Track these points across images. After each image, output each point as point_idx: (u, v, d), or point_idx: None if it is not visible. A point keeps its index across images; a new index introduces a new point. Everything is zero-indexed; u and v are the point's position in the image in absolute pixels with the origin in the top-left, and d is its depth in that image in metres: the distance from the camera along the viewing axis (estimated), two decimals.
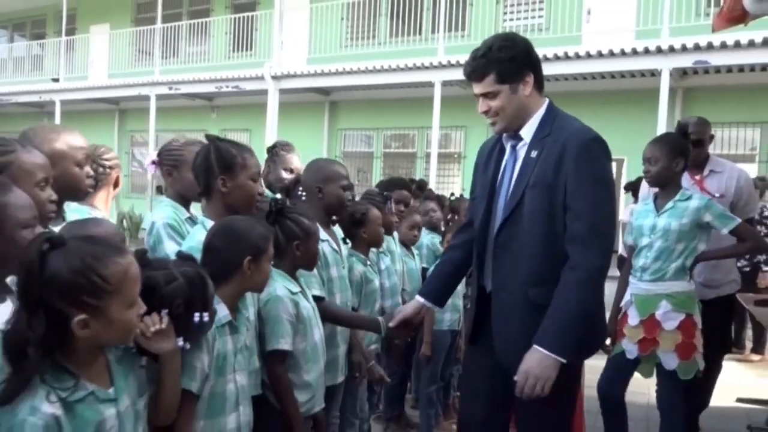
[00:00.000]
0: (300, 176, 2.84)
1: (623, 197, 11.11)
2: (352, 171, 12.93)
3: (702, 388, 3.37)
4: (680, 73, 9.89)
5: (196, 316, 1.53)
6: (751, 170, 9.26)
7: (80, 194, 2.08)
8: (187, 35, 15.05)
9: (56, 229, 1.77)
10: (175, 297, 1.50)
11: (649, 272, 2.96)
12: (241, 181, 2.06)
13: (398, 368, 3.89)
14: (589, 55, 9.58)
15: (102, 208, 2.57)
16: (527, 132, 2.11)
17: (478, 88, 2.11)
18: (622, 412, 3.06)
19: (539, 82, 2.12)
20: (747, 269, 5.61)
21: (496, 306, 2.13)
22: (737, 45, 8.51)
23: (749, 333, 6.33)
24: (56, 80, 16.29)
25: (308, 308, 2.20)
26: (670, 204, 2.95)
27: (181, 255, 1.70)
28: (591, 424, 3.34)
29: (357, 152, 14.27)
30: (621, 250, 6.21)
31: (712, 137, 3.50)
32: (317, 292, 2.35)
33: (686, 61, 9.05)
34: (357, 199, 3.04)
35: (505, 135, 2.19)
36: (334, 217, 2.65)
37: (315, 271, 2.38)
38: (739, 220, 2.95)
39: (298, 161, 3.26)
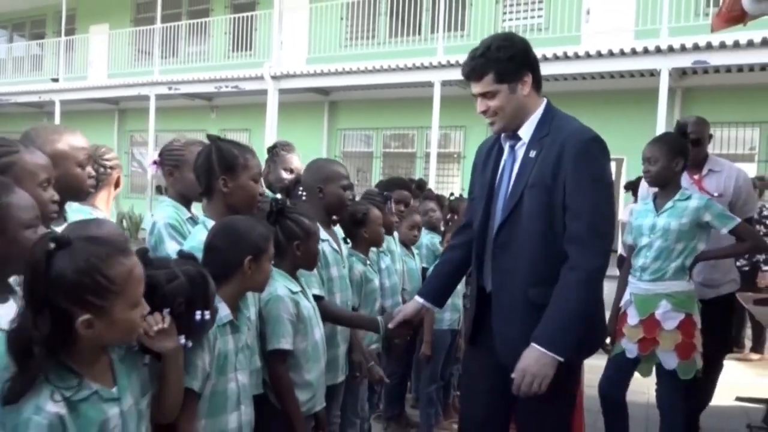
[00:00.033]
0: (300, 176, 2.84)
1: (623, 197, 11.14)
2: (352, 171, 12.92)
3: (703, 387, 3.37)
4: (679, 73, 9.91)
5: (198, 315, 1.54)
6: (750, 170, 9.27)
7: (82, 194, 2.08)
8: (187, 35, 15.05)
9: (58, 229, 1.78)
10: (177, 295, 1.51)
11: (648, 272, 2.97)
12: (242, 182, 2.07)
13: (398, 368, 3.90)
14: (588, 55, 9.59)
15: (103, 209, 2.57)
16: (526, 132, 2.11)
17: (476, 88, 2.11)
18: (623, 411, 3.07)
19: (537, 81, 2.12)
20: (746, 269, 5.62)
21: (496, 306, 2.14)
22: (736, 45, 8.52)
23: (749, 332, 6.34)
24: (56, 80, 16.29)
25: (309, 308, 2.21)
26: (669, 204, 2.96)
27: (182, 254, 1.71)
28: (591, 423, 3.35)
29: (356, 152, 14.28)
30: (620, 249, 6.22)
31: (710, 137, 3.50)
32: (317, 291, 2.36)
33: (685, 61, 9.06)
34: (357, 199, 3.05)
35: (503, 135, 2.19)
36: (334, 217, 2.65)
37: (315, 270, 2.38)
38: (739, 220, 2.95)
39: (298, 161, 3.27)
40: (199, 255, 1.78)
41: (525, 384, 1.94)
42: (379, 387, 3.40)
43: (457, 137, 12.71)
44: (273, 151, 3.26)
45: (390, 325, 2.37)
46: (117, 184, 2.67)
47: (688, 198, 2.94)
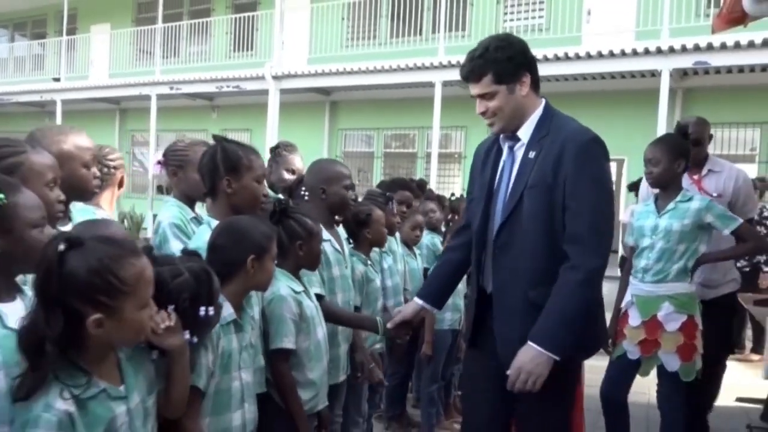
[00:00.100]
0: (302, 176, 2.86)
1: (623, 197, 11.15)
2: (353, 171, 12.86)
3: (708, 388, 3.38)
4: (680, 74, 9.91)
5: (202, 310, 1.56)
6: (751, 171, 9.28)
7: (87, 195, 2.10)
8: (188, 35, 15.07)
9: (63, 229, 1.80)
10: (181, 292, 1.53)
11: (651, 273, 2.97)
12: (246, 183, 2.09)
13: (401, 367, 3.92)
14: (589, 56, 9.60)
15: (107, 208, 2.59)
16: (525, 132, 2.12)
17: (475, 89, 2.12)
18: (624, 413, 3.07)
19: (536, 82, 2.12)
20: (747, 269, 5.63)
21: (497, 307, 2.15)
22: (737, 46, 8.53)
23: (749, 333, 6.34)
24: (57, 80, 16.31)
25: (311, 307, 2.22)
26: (671, 205, 2.96)
27: (186, 251, 1.72)
28: (591, 423, 3.36)
29: (357, 152, 14.29)
30: (621, 250, 6.23)
31: (711, 137, 3.51)
32: (317, 290, 2.38)
33: (686, 62, 9.07)
34: (359, 199, 3.07)
35: (502, 136, 2.19)
36: (337, 218, 2.67)
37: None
38: (741, 221, 2.95)
39: (300, 162, 3.28)
40: (204, 255, 1.80)
41: (520, 381, 1.95)
42: (380, 387, 3.42)
43: (458, 137, 12.72)
44: (275, 151, 3.27)
45: (389, 326, 2.39)
46: (121, 184, 2.69)
47: (690, 199, 2.95)
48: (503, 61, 2.05)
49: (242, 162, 2.08)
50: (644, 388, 3.56)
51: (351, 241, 2.91)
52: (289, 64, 12.74)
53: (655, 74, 9.37)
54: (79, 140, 2.04)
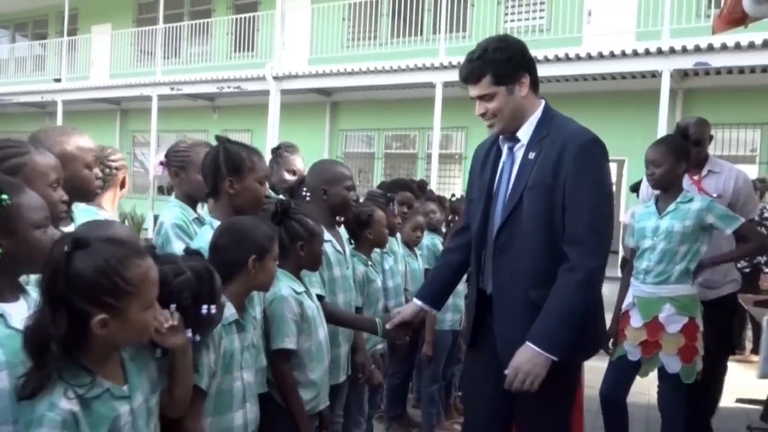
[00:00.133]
0: (304, 177, 2.87)
1: (624, 198, 11.16)
2: (353, 172, 12.90)
3: (709, 391, 3.38)
4: (681, 75, 9.92)
5: (204, 309, 1.56)
6: (752, 171, 9.28)
7: (89, 195, 2.11)
8: (189, 36, 15.08)
9: (65, 229, 1.81)
10: (183, 290, 1.53)
11: (652, 275, 2.97)
12: (248, 184, 2.10)
13: (401, 367, 3.92)
14: (589, 57, 9.60)
15: (109, 209, 2.60)
16: (524, 133, 2.12)
17: (474, 91, 2.12)
18: (623, 414, 3.07)
19: (535, 83, 2.13)
20: (747, 270, 5.63)
21: (497, 308, 2.15)
22: (737, 46, 8.53)
23: (749, 334, 6.35)
24: (58, 80, 16.33)
25: (313, 308, 2.23)
26: (672, 206, 2.96)
27: (188, 250, 1.73)
28: (591, 424, 3.37)
29: (358, 153, 14.30)
30: (622, 252, 6.23)
31: (711, 138, 3.51)
32: (317, 291, 2.38)
33: (687, 63, 9.07)
34: (360, 199, 3.07)
35: (501, 137, 2.20)
36: (339, 218, 2.68)
37: None
38: (743, 220, 2.94)
39: (301, 163, 3.29)
40: (206, 255, 1.81)
41: (517, 381, 1.96)
42: (379, 388, 3.42)
43: (458, 138, 12.73)
44: (277, 152, 3.28)
45: (388, 326, 2.39)
46: (123, 185, 2.70)
47: (691, 200, 2.95)
48: (502, 62, 2.06)
49: (245, 163, 2.09)
50: (644, 389, 3.57)
51: (352, 241, 2.92)
52: (289, 64, 12.75)
53: (655, 75, 9.37)
54: (81, 141, 2.05)
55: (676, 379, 2.92)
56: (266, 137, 12.29)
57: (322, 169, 2.66)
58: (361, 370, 2.73)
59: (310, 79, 12.38)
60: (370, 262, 2.95)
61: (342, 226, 2.79)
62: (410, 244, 3.76)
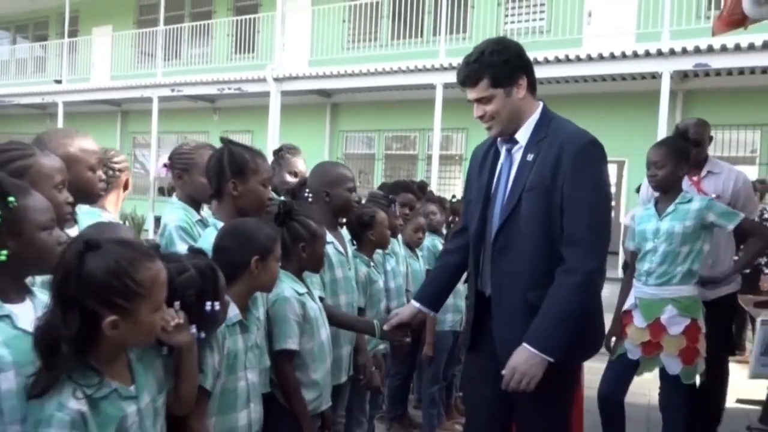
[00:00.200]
0: (306, 179, 2.88)
1: (624, 199, 11.17)
2: (354, 173, 12.96)
3: (713, 395, 3.39)
4: (681, 76, 9.93)
5: (208, 305, 1.58)
6: (752, 173, 9.29)
7: (93, 197, 2.12)
8: (190, 37, 15.11)
9: (69, 231, 1.82)
10: (187, 287, 1.55)
11: (654, 276, 2.97)
12: (251, 186, 2.11)
13: (402, 368, 3.93)
14: (590, 58, 9.63)
15: (112, 211, 2.61)
16: (523, 135, 2.13)
17: (472, 94, 2.13)
18: (621, 413, 3.07)
19: (532, 85, 2.14)
20: (747, 271, 5.63)
21: (495, 309, 2.16)
22: (737, 48, 8.56)
23: (750, 334, 6.35)
24: (59, 82, 16.35)
25: (315, 308, 2.24)
26: (671, 207, 2.97)
27: (192, 249, 1.75)
28: (591, 424, 3.37)
29: (358, 154, 14.33)
30: (622, 253, 6.23)
31: (711, 138, 3.52)
32: (317, 292, 2.39)
33: (687, 64, 9.09)
34: (362, 201, 3.09)
35: (499, 139, 2.20)
36: (341, 220, 2.69)
37: None
38: (743, 215, 2.94)
39: (302, 164, 3.30)
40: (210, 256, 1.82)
41: (514, 381, 1.97)
42: (383, 387, 3.44)
43: (458, 139, 12.75)
44: (278, 153, 3.29)
45: (385, 328, 2.40)
46: (126, 187, 2.71)
47: (690, 201, 2.95)
48: (499, 65, 2.07)
49: (248, 165, 2.10)
50: (645, 390, 3.58)
51: (354, 242, 2.93)
52: (290, 66, 12.78)
53: (655, 76, 9.39)
54: (84, 144, 2.06)
55: (677, 380, 2.92)
56: (267, 138, 12.32)
57: (324, 170, 2.67)
58: (362, 371, 2.74)
59: (310, 81, 12.40)
60: (372, 263, 2.97)
61: (344, 227, 2.80)
62: (412, 246, 3.77)
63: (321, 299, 2.41)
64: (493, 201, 2.18)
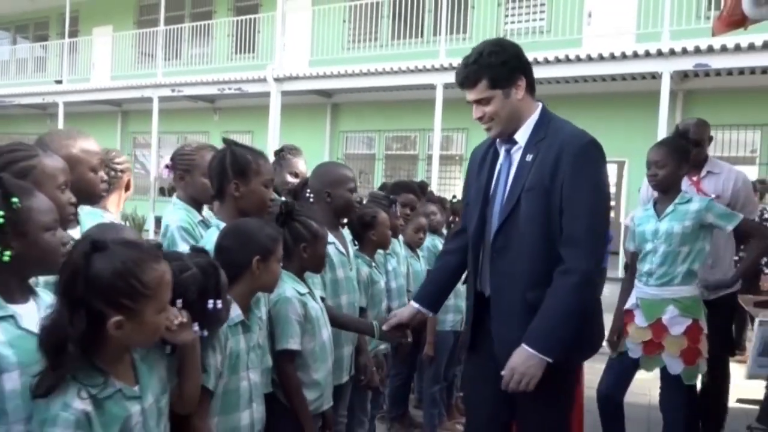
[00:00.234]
0: (307, 179, 2.89)
1: (624, 199, 11.18)
2: (354, 173, 12.96)
3: (716, 394, 3.39)
4: (681, 76, 9.93)
5: (210, 303, 1.59)
6: (752, 173, 9.29)
7: (95, 198, 2.13)
8: (190, 37, 15.11)
9: (71, 232, 1.83)
10: (189, 285, 1.56)
11: (655, 277, 2.97)
12: (253, 187, 2.12)
13: (403, 368, 3.94)
14: (590, 58, 9.62)
15: (114, 211, 2.62)
16: (522, 136, 2.13)
17: (471, 95, 2.14)
18: (620, 413, 3.08)
19: (531, 85, 2.14)
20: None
21: (494, 309, 2.16)
22: (737, 48, 8.56)
23: (750, 335, 6.36)
24: (59, 82, 16.36)
25: (316, 309, 2.25)
26: (670, 207, 2.97)
27: (194, 248, 1.76)
28: (591, 424, 3.38)
29: (359, 154, 14.33)
30: (623, 254, 6.23)
31: (710, 138, 3.52)
32: (318, 292, 2.40)
33: (687, 64, 9.09)
34: (364, 201, 3.09)
35: (498, 139, 2.21)
36: (343, 220, 2.70)
37: None
38: (741, 216, 2.94)
39: (303, 165, 3.31)
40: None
41: (513, 382, 1.98)
42: (382, 387, 3.44)
43: (459, 139, 12.75)
44: (279, 154, 3.30)
45: (384, 328, 2.41)
46: (127, 187, 2.72)
47: (689, 201, 2.95)
48: (497, 66, 2.07)
49: (251, 166, 2.11)
50: (645, 389, 3.59)
51: (356, 242, 2.94)
52: (290, 66, 12.77)
53: (655, 76, 9.39)
54: (86, 144, 2.06)
55: (678, 380, 2.93)
56: (267, 139, 12.32)
57: (326, 171, 2.68)
58: (363, 371, 2.74)
59: (310, 81, 12.40)
60: (374, 264, 2.98)
61: (345, 227, 2.81)
62: (412, 246, 3.78)
63: (322, 299, 2.42)
64: (492, 201, 2.18)
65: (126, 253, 1.32)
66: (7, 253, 1.33)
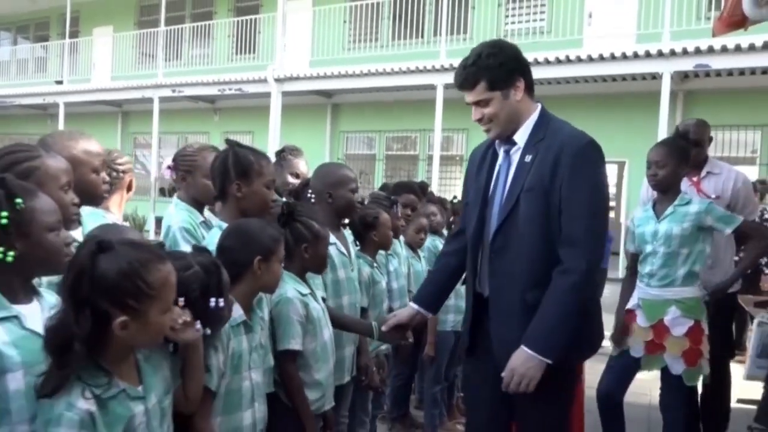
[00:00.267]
0: (308, 180, 2.90)
1: (625, 199, 11.18)
2: (355, 173, 12.98)
3: (717, 395, 3.39)
4: (681, 77, 9.93)
5: (212, 301, 1.60)
6: (752, 173, 9.30)
7: (97, 200, 2.13)
8: (190, 38, 15.13)
9: (74, 233, 1.83)
10: (191, 283, 1.57)
11: (656, 278, 2.97)
12: (256, 188, 2.13)
13: (404, 369, 3.94)
14: (590, 59, 9.63)
15: (115, 212, 2.63)
16: (521, 136, 2.14)
17: (470, 97, 2.14)
18: (620, 413, 3.08)
19: (530, 86, 2.14)
20: (748, 271, 5.63)
21: (493, 310, 2.17)
22: (738, 48, 8.56)
23: (750, 335, 6.36)
24: (60, 82, 16.37)
25: (318, 309, 2.26)
26: (670, 209, 2.96)
27: (196, 247, 1.77)
28: (592, 424, 3.39)
29: (359, 154, 14.33)
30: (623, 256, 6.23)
31: (710, 139, 3.52)
32: (319, 293, 2.40)
33: (687, 65, 9.09)
34: (365, 201, 3.10)
35: (497, 140, 2.21)
36: (344, 220, 2.70)
37: None
38: (741, 218, 2.95)
39: (304, 166, 3.32)
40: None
41: (513, 383, 1.99)
42: (383, 388, 3.45)
43: (459, 140, 12.76)
44: (281, 155, 3.30)
45: (383, 329, 2.41)
46: (129, 188, 2.73)
47: (688, 203, 2.95)
48: (495, 68, 2.07)
49: (253, 167, 2.12)
50: (645, 390, 3.59)
51: (357, 243, 2.94)
52: (291, 66, 12.78)
53: (656, 77, 9.39)
54: (88, 146, 2.07)
55: (679, 381, 2.93)
56: (267, 139, 12.32)
57: (327, 172, 2.69)
58: (364, 372, 2.75)
59: (311, 81, 12.41)
60: (375, 264, 2.98)
61: (347, 227, 2.81)
62: (413, 246, 3.79)
63: (322, 300, 2.42)
64: (491, 202, 2.19)
65: (132, 254, 1.32)
66: (11, 253, 1.33)
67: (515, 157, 2.15)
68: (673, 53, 9.00)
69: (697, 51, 8.85)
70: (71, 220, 1.74)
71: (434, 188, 9.26)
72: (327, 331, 2.28)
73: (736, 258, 3.52)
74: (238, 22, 14.29)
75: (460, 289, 2.55)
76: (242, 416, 1.82)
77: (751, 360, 3.36)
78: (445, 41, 11.04)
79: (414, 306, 2.41)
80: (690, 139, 3.23)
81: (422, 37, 12.50)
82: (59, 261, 1.41)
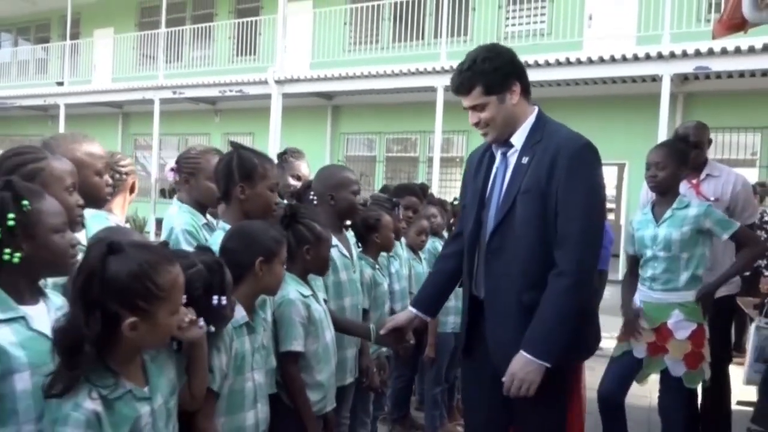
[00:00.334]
0: (310, 182, 2.91)
1: (625, 201, 11.19)
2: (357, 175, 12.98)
3: (718, 396, 3.40)
4: (681, 79, 9.94)
5: (215, 299, 1.61)
6: (752, 175, 9.31)
7: (100, 202, 2.15)
8: (191, 40, 15.14)
9: (77, 235, 1.84)
10: (195, 281, 1.58)
11: (659, 282, 2.97)
12: (259, 190, 2.14)
13: (405, 370, 3.95)
14: (590, 61, 9.63)
15: (118, 214, 2.63)
16: (518, 139, 2.15)
17: (466, 101, 2.15)
18: (621, 414, 3.08)
19: (526, 90, 2.15)
20: (747, 273, 5.63)
21: (489, 312, 2.17)
22: (738, 51, 8.57)
23: (749, 337, 6.36)
24: (60, 84, 16.37)
25: (320, 311, 2.27)
26: (668, 213, 2.96)
27: (199, 246, 1.79)
28: (592, 426, 3.40)
29: (359, 156, 14.34)
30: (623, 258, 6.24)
31: (710, 141, 3.53)
32: (321, 294, 2.41)
33: (687, 67, 9.10)
34: (367, 203, 3.11)
35: (494, 144, 2.23)
36: (346, 222, 2.71)
37: None
38: (738, 224, 2.95)
39: (306, 168, 3.33)
40: None
41: (514, 388, 2.00)
42: (384, 389, 3.45)
43: (459, 142, 12.77)
44: (282, 157, 3.32)
45: (381, 332, 2.42)
46: (132, 190, 2.74)
47: (687, 206, 2.95)
48: (491, 73, 2.08)
49: (257, 170, 2.13)
50: (645, 392, 3.59)
51: (359, 245, 2.96)
52: (291, 68, 12.80)
53: (656, 79, 9.40)
54: (91, 148, 2.09)
55: (679, 383, 2.93)
56: (268, 141, 12.33)
57: (329, 174, 2.70)
58: (365, 373, 2.76)
59: (311, 83, 12.42)
60: (377, 266, 2.99)
61: (349, 229, 2.83)
62: (415, 248, 3.80)
63: (324, 301, 2.43)
64: (488, 204, 2.20)
65: (141, 256, 1.34)
66: (18, 254, 1.35)
67: (512, 160, 2.16)
68: (673, 55, 9.01)
69: (697, 53, 8.86)
70: (75, 222, 1.75)
71: (434, 190, 9.27)
72: (329, 333, 2.29)
73: None
74: (238, 23, 14.31)
75: (461, 291, 2.56)
76: (245, 417, 1.84)
77: (749, 365, 3.37)
78: (445, 43, 11.06)
79: (412, 310, 2.42)
80: (689, 142, 3.24)
81: (423, 39, 12.51)
82: (65, 262, 1.42)
